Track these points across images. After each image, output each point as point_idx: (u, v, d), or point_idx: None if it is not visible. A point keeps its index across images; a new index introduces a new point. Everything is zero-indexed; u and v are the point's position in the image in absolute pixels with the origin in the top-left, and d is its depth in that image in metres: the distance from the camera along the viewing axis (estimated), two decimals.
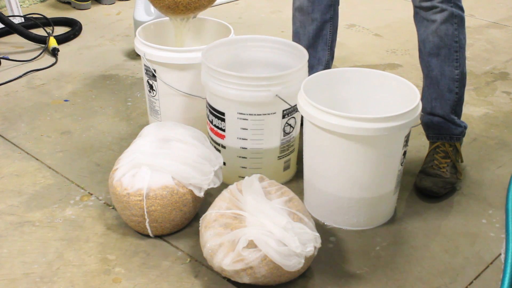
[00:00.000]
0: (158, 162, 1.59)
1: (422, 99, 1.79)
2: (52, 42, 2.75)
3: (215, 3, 3.43)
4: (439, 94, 1.80)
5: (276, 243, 1.38)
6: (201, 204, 1.68)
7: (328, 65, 2.09)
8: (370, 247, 1.62)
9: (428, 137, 1.90)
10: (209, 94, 1.79)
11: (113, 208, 1.74)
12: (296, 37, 2.06)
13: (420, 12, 1.78)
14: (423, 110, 1.77)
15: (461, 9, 1.76)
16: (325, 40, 2.05)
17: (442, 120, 1.83)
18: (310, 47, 2.02)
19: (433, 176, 1.81)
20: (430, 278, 1.52)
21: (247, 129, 1.75)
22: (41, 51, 2.74)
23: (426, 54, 1.80)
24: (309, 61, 1.81)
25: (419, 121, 1.62)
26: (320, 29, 2.02)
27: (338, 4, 2.04)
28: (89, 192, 1.83)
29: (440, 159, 1.84)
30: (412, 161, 1.96)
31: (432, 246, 1.63)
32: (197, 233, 1.55)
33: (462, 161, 1.91)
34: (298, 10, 2.03)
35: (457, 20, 1.74)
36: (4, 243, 1.62)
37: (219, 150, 1.81)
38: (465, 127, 1.88)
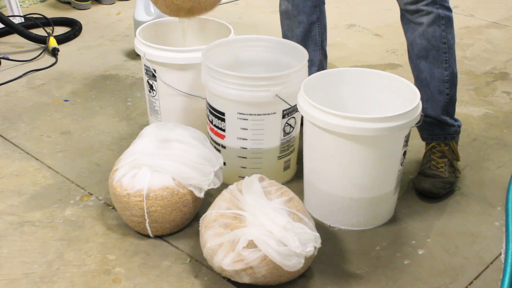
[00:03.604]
0: (158, 162, 1.59)
1: None
2: (52, 42, 2.75)
3: None
4: (429, 96, 1.80)
5: (276, 243, 1.38)
6: (201, 204, 1.68)
7: (321, 65, 2.08)
8: (370, 247, 1.62)
9: (422, 138, 1.90)
10: (209, 94, 1.79)
11: (113, 208, 1.74)
12: None
13: (406, 15, 1.77)
14: None
15: (448, 9, 1.74)
16: (315, 41, 2.04)
17: (434, 121, 1.83)
18: None
19: (431, 177, 1.81)
20: (430, 278, 1.52)
21: (247, 129, 1.75)
22: (41, 51, 2.74)
23: (415, 57, 1.79)
24: None
25: (419, 121, 1.62)
26: (308, 31, 2.01)
27: (323, 4, 2.03)
28: (89, 192, 1.83)
29: (437, 159, 1.84)
30: (412, 161, 1.96)
31: (432, 246, 1.63)
32: (197, 233, 1.55)
33: (459, 160, 1.91)
34: (283, 14, 2.02)
35: (444, 21, 1.73)
36: (4, 243, 1.62)
37: (219, 150, 1.81)
38: (459, 126, 1.87)
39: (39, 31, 2.90)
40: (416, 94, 1.63)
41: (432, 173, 1.81)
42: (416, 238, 1.66)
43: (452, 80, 1.79)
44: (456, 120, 1.87)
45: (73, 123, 2.21)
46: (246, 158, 1.80)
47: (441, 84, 1.78)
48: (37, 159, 1.99)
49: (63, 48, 2.81)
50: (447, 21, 1.74)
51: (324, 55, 2.09)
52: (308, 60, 2.04)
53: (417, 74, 1.82)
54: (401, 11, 1.79)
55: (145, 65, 1.97)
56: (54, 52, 2.72)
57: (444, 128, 1.84)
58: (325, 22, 2.06)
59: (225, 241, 1.41)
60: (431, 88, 1.79)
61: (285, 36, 2.05)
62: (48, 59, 2.70)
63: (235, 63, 1.93)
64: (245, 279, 1.41)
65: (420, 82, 1.80)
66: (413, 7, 1.72)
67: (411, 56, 1.82)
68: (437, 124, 1.83)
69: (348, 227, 1.69)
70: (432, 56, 1.76)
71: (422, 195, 1.82)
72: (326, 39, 2.08)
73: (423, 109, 1.82)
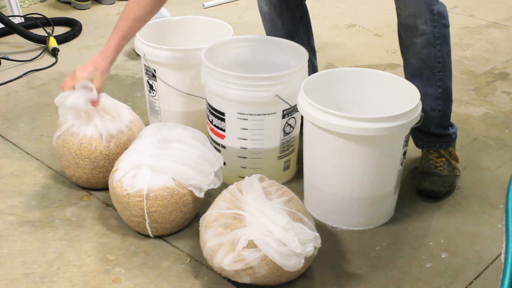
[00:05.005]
0: (158, 163, 1.59)
1: None
2: (52, 42, 2.75)
3: (215, 2, 3.43)
4: None
5: (276, 243, 1.38)
6: (201, 204, 1.68)
7: (311, 62, 2.05)
8: (370, 247, 1.62)
9: (416, 145, 1.89)
10: (209, 94, 1.79)
11: (113, 208, 1.73)
12: None
13: (402, 30, 1.74)
14: None
15: (445, 26, 1.70)
16: (301, 38, 2.02)
17: (428, 134, 1.83)
18: None
19: (431, 174, 1.80)
20: (430, 278, 1.52)
21: (247, 129, 1.75)
22: (41, 51, 2.74)
23: (409, 75, 1.78)
24: None
25: (419, 121, 1.61)
26: (293, 30, 1.99)
27: (305, 0, 2.00)
28: (89, 192, 1.83)
29: (435, 158, 1.84)
30: (412, 161, 1.96)
31: (432, 246, 1.63)
32: (197, 233, 1.55)
33: (457, 161, 1.90)
34: (266, 15, 1.99)
35: (440, 41, 1.70)
36: (4, 243, 1.62)
37: (219, 150, 1.81)
38: (454, 132, 1.86)
39: (39, 31, 2.90)
40: (416, 94, 1.63)
41: (431, 171, 1.81)
42: (416, 238, 1.66)
43: (445, 96, 1.78)
44: (452, 126, 1.86)
45: None
46: (246, 158, 1.80)
47: (434, 102, 1.77)
48: (37, 159, 1.99)
49: (63, 48, 2.80)
50: (443, 40, 1.71)
51: (312, 52, 2.07)
52: None
53: None
54: (398, 26, 1.76)
55: (145, 65, 1.97)
56: (54, 52, 2.71)
57: (438, 137, 1.83)
58: (309, 19, 2.04)
59: (225, 241, 1.41)
60: (424, 106, 1.75)
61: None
62: (48, 59, 2.70)
63: (235, 63, 1.93)
64: (245, 279, 1.41)
65: None
66: (410, 20, 1.68)
67: (405, 72, 1.81)
68: (431, 135, 1.83)
69: (348, 227, 1.69)
70: (426, 76, 1.75)
71: (422, 194, 1.82)
72: (312, 35, 2.06)
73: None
